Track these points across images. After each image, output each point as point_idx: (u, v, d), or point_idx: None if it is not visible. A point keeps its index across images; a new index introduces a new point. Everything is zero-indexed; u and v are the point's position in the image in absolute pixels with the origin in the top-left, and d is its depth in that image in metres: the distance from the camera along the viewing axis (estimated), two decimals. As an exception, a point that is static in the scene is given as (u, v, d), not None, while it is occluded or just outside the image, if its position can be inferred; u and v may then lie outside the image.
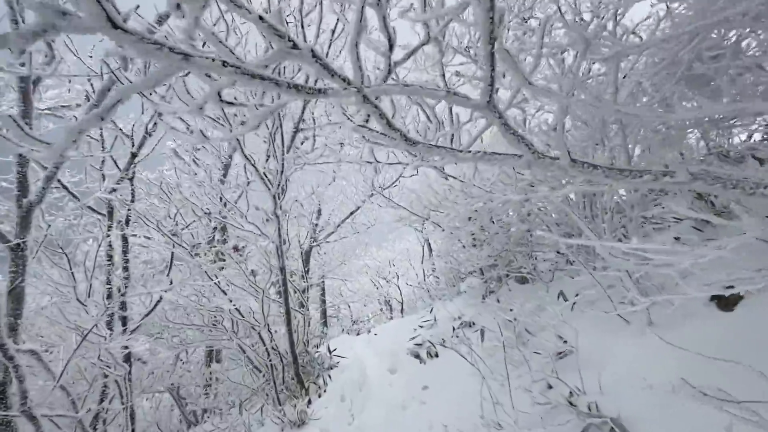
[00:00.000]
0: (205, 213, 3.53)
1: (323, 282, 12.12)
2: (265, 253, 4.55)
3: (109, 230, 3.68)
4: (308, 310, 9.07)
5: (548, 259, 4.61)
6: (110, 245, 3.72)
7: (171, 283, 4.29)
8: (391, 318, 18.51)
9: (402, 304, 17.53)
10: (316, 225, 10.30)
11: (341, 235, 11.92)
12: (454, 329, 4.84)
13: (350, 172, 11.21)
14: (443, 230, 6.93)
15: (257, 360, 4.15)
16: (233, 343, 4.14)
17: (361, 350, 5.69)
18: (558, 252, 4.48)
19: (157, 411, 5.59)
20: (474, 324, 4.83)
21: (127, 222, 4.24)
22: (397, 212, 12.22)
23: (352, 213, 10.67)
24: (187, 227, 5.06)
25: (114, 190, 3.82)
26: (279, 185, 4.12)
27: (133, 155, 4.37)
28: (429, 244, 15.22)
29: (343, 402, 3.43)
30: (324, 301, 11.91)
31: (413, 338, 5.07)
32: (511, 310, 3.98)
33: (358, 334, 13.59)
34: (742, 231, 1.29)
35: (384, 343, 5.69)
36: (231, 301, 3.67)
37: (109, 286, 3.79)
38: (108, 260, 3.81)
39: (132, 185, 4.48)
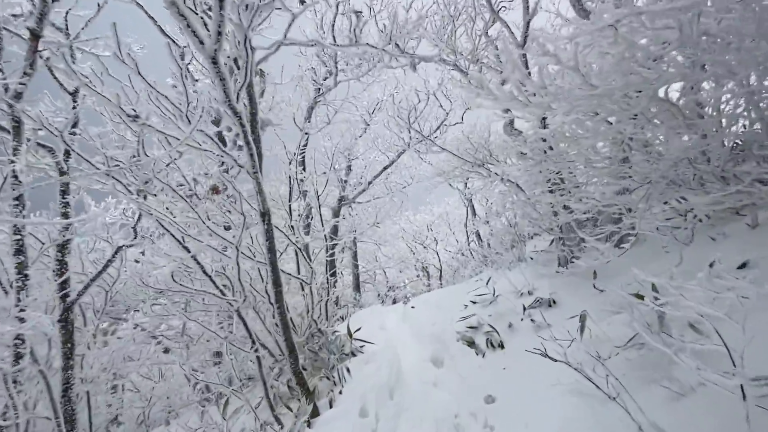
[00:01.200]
0: (132, 117, 2.31)
1: (355, 245, 11.05)
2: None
3: (15, 154, 2.57)
4: (331, 276, 8.07)
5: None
6: (17, 178, 2.66)
7: (135, 237, 3.28)
8: (429, 286, 17.41)
9: (441, 271, 16.30)
10: (346, 182, 9.05)
11: (374, 194, 10.62)
12: (525, 308, 3.44)
13: (381, 127, 9.68)
14: (503, 180, 5.36)
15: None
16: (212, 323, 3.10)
17: (394, 329, 4.50)
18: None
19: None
20: (555, 303, 3.40)
21: (68, 155, 3.11)
22: (436, 168, 10.52)
23: (386, 167, 9.25)
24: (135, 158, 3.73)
25: (19, 94, 2.64)
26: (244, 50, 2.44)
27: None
28: (473, 206, 13.54)
29: (365, 418, 2.27)
30: (357, 266, 10.89)
31: (465, 318, 3.76)
32: (629, 285, 2.50)
33: (394, 302, 12.64)
34: None
35: (424, 321, 4.45)
36: (194, 258, 2.53)
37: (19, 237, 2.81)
38: (15, 202, 2.77)
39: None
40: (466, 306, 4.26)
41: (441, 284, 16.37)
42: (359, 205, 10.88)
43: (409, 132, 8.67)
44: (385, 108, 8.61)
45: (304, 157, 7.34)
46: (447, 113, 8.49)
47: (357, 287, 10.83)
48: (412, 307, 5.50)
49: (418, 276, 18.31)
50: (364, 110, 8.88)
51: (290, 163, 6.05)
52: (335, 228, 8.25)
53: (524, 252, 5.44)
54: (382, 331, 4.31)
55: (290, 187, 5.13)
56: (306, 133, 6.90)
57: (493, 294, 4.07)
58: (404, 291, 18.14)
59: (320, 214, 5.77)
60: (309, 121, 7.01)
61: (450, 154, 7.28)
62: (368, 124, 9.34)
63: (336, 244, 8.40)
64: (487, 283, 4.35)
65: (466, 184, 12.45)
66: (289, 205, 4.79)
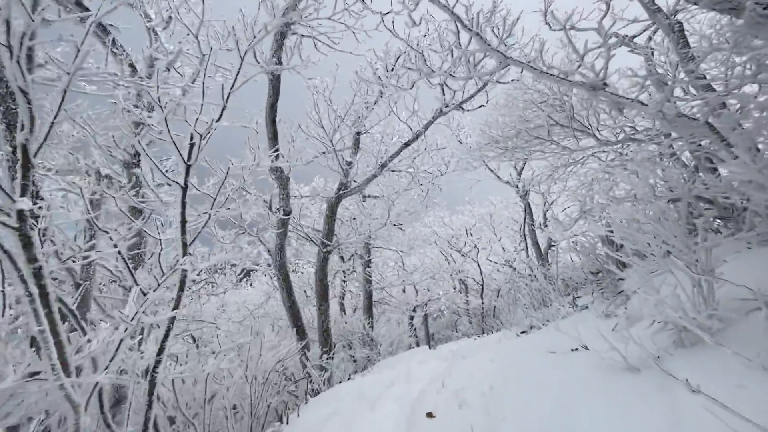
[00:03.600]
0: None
1: (368, 253, 8.35)
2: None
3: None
4: (321, 303, 5.41)
5: None
6: None
7: None
8: (467, 303, 14.28)
9: (482, 287, 13.16)
10: (350, 164, 6.40)
11: (394, 186, 7.86)
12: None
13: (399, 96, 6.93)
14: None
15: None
16: None
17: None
18: None
19: None
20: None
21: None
22: (479, 142, 7.45)
23: (407, 144, 6.46)
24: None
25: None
26: None
27: None
28: (529, 205, 10.28)
29: None
30: (369, 281, 8.19)
31: None
32: None
33: (431, 346, 9.72)
34: None
35: None
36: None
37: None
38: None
39: None
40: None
41: (482, 302, 13.27)
42: (375, 200, 8.17)
43: (443, 89, 5.86)
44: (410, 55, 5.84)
45: (275, 118, 4.82)
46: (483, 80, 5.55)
47: (369, 309, 8.12)
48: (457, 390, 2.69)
49: (454, 288, 15.24)
50: (379, 62, 6.19)
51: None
52: (329, 231, 5.65)
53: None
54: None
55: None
56: (272, 76, 4.37)
57: None
58: (439, 304, 15.21)
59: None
60: (278, 57, 4.50)
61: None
62: (384, 86, 6.62)
63: (328, 253, 5.77)
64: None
65: (519, 170, 9.32)
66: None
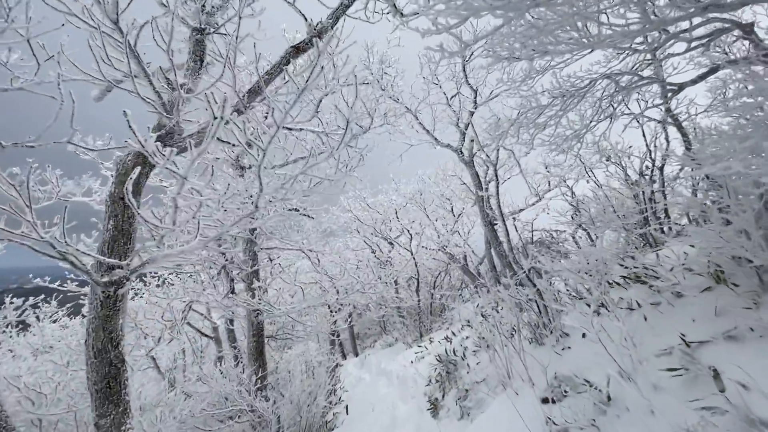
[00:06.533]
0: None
1: (253, 262, 5.09)
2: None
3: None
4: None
5: None
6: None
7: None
8: (399, 299, 11.88)
9: (417, 281, 10.87)
10: (184, 90, 3.07)
11: (287, 148, 4.69)
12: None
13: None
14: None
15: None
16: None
17: None
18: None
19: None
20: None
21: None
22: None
23: (297, 49, 3.31)
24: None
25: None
26: None
27: None
28: (477, 174, 7.90)
29: None
30: (258, 311, 4.98)
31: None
32: None
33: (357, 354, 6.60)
34: None
35: None
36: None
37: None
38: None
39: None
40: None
41: (419, 299, 11.03)
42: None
43: None
44: None
45: None
46: None
47: (259, 353, 4.93)
48: None
49: (385, 284, 12.79)
50: None
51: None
52: (119, 234, 2.38)
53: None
54: None
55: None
56: None
57: None
58: (364, 298, 12.64)
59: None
60: None
61: None
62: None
63: (119, 287, 2.47)
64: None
65: (463, 127, 6.85)
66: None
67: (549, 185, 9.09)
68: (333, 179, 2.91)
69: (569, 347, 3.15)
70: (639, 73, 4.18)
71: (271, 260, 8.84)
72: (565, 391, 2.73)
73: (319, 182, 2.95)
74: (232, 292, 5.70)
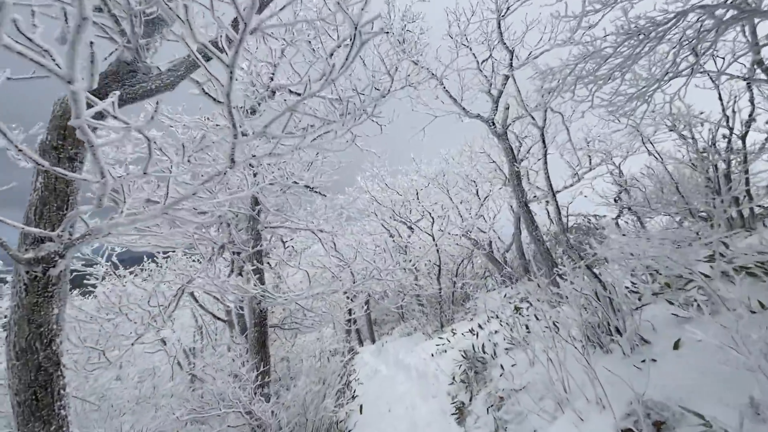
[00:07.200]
0: None
1: (257, 241, 4.50)
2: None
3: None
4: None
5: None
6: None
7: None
8: (419, 287, 11.17)
9: (439, 268, 10.12)
10: (148, 21, 2.40)
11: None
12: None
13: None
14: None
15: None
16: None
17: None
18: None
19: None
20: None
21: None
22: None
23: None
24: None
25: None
26: None
27: None
28: (511, 149, 6.89)
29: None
30: (262, 296, 4.38)
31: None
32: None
33: (374, 341, 5.74)
34: None
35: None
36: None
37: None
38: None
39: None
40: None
41: (440, 287, 10.30)
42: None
43: None
44: None
45: None
46: None
47: (262, 344, 4.37)
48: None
49: (404, 270, 12.12)
50: None
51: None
52: (54, 195, 1.79)
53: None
54: None
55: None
56: None
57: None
58: (381, 285, 12.08)
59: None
60: None
61: None
62: None
63: (49, 266, 1.88)
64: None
65: (496, 96, 5.86)
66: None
67: (590, 163, 8.02)
68: (337, 122, 2.18)
69: (653, 359, 2.35)
70: (741, 5, 3.16)
71: (284, 243, 8.27)
72: (660, 424, 1.96)
73: (319, 128, 2.22)
74: (239, 274, 5.13)
